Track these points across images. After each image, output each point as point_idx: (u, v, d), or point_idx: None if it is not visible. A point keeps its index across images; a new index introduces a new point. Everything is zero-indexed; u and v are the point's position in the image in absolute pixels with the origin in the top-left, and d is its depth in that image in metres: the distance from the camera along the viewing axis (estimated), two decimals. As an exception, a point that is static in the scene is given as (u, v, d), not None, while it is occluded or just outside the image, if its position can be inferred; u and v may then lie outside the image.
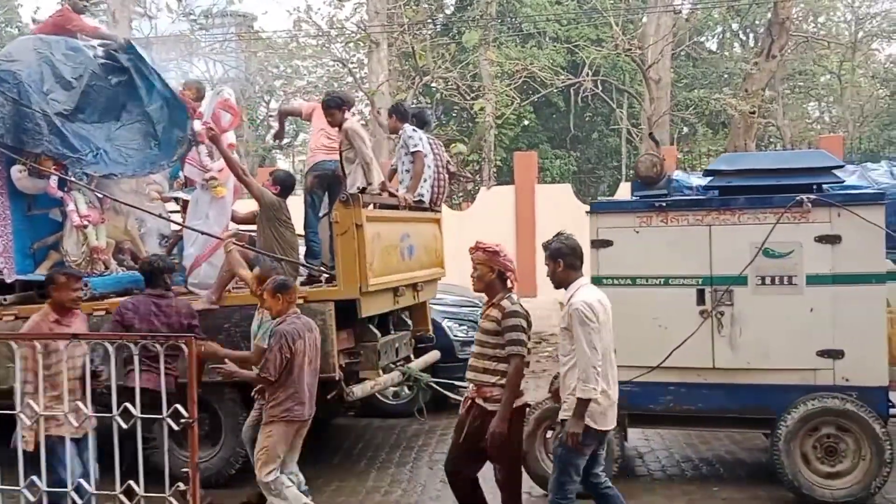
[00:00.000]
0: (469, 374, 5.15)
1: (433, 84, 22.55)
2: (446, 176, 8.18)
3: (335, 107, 7.14)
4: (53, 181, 7.08)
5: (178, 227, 7.59)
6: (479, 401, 5.07)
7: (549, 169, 26.56)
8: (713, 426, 6.79)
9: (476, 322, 7.13)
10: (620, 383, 5.25)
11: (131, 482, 4.34)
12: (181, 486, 4.26)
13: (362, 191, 6.83)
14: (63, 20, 7.65)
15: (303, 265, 6.89)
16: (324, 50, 24.18)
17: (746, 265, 6.25)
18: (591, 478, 5.13)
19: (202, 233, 6.96)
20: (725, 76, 28.94)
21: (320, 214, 7.57)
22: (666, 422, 6.69)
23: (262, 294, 5.84)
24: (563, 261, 4.97)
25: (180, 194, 7.82)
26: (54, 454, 4.79)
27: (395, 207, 7.45)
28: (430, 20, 25.16)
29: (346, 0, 24.12)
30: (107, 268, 7.34)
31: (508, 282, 5.16)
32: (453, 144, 22.34)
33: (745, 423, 6.48)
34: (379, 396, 8.55)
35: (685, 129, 29.75)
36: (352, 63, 24.21)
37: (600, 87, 23.23)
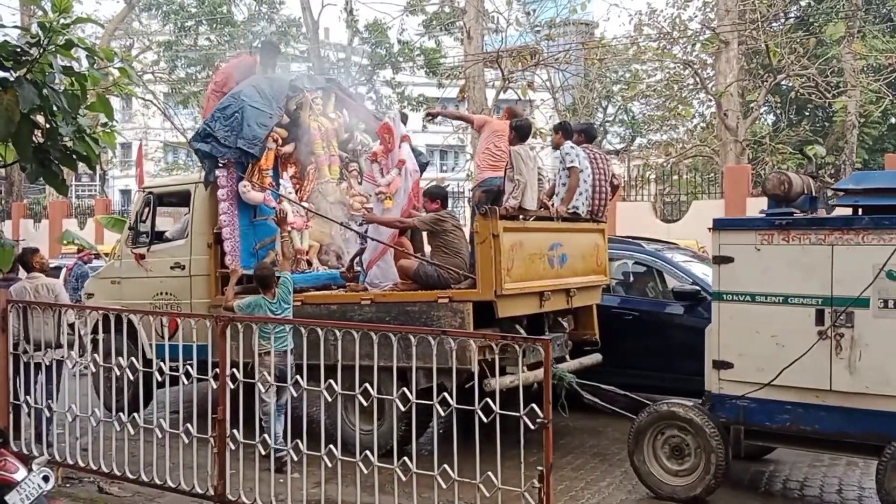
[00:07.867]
0: None
1: (785, 82, 21.35)
2: (608, 189, 8.61)
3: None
4: (269, 194, 8.70)
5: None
6: None
7: (924, 172, 24.06)
8: (830, 450, 6.57)
9: None
10: (737, 398, 6.48)
11: (490, 473, 4.79)
12: (535, 483, 4.57)
13: (518, 209, 7.59)
14: None
15: (451, 270, 7.76)
16: (665, 52, 23.96)
17: (866, 287, 6.04)
18: None
19: (373, 239, 8.20)
20: None
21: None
22: (782, 440, 6.63)
23: None
24: None
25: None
26: None
27: (550, 219, 8.10)
28: (783, 14, 24.05)
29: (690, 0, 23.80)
30: (310, 265, 8.84)
31: None
32: (809, 146, 20.79)
33: (864, 450, 6.24)
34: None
35: None
36: (694, 64, 23.80)
37: None
